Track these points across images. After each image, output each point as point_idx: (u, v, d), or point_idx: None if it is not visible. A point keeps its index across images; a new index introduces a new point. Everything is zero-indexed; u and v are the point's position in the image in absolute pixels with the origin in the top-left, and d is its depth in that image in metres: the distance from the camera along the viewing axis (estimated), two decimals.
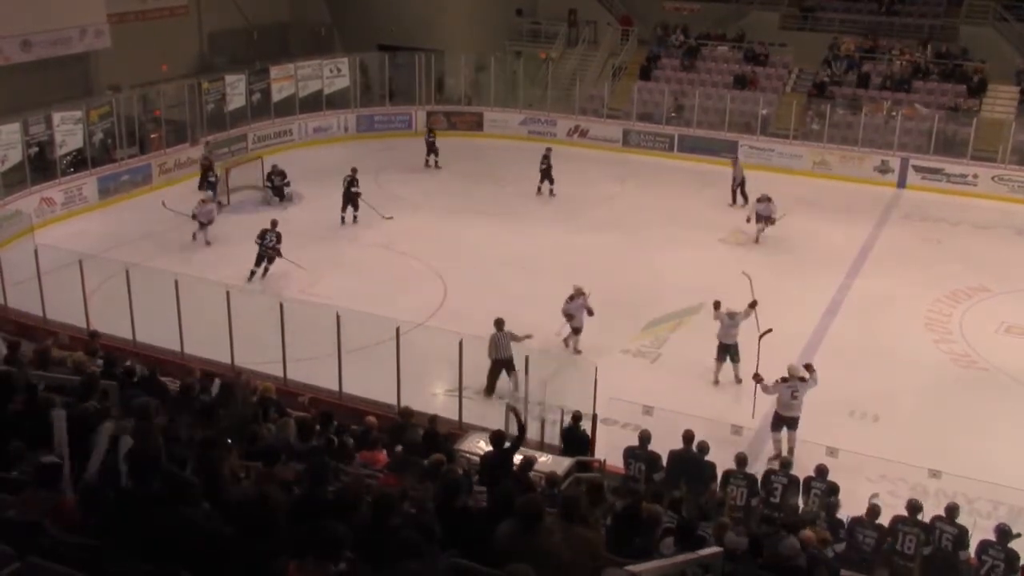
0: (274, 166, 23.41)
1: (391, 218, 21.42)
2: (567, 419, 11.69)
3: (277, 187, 22.91)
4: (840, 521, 9.90)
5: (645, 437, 11.06)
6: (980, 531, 9.71)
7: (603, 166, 26.17)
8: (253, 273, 18.33)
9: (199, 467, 5.67)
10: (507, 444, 9.08)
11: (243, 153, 25.73)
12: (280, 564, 4.38)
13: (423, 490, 6.88)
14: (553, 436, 11.90)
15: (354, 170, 21.53)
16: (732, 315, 14.59)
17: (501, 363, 13.99)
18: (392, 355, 12.56)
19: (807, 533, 7.87)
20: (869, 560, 9.66)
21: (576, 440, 11.42)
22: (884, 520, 10.00)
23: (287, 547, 4.49)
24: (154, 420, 6.39)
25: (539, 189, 23.76)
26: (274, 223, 18.68)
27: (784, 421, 12.79)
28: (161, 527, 4.53)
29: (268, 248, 18.39)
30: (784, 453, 12.55)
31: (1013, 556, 9.19)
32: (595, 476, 10.02)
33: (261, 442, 8.11)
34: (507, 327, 14.10)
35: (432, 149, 26.14)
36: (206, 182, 22.50)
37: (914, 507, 9.81)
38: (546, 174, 23.64)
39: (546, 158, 23.70)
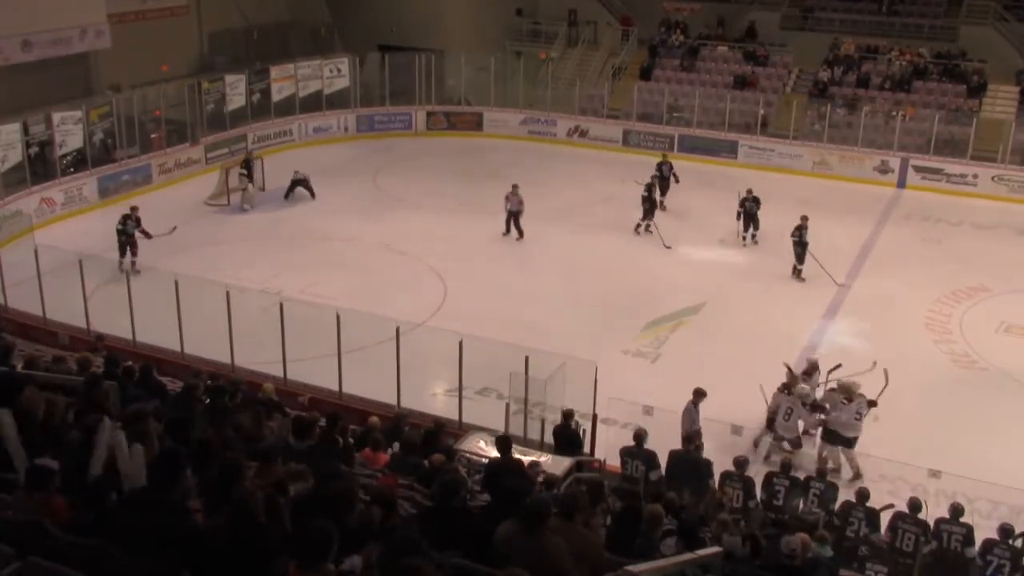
0: (301, 173, 23.35)
1: (843, 285, 18.44)
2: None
3: (295, 180, 22.99)
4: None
5: (641, 435, 11.02)
6: (981, 531, 9.72)
7: (603, 166, 26.15)
8: (121, 262, 17.79)
9: (221, 471, 5.61)
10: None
11: (243, 153, 25.68)
12: (281, 564, 4.38)
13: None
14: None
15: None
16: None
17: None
18: (392, 355, 12.56)
19: (803, 536, 7.86)
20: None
21: (568, 438, 11.35)
22: (883, 519, 10.02)
23: (288, 547, 4.49)
24: (161, 423, 6.35)
25: (744, 238, 20.43)
26: (134, 208, 18.51)
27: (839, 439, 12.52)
28: (169, 535, 4.51)
29: (129, 235, 18.05)
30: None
31: (1017, 553, 9.21)
32: (595, 476, 10.01)
33: (261, 442, 8.08)
34: None
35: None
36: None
37: (914, 505, 9.82)
38: (750, 218, 20.37)
39: (746, 201, 20.33)
